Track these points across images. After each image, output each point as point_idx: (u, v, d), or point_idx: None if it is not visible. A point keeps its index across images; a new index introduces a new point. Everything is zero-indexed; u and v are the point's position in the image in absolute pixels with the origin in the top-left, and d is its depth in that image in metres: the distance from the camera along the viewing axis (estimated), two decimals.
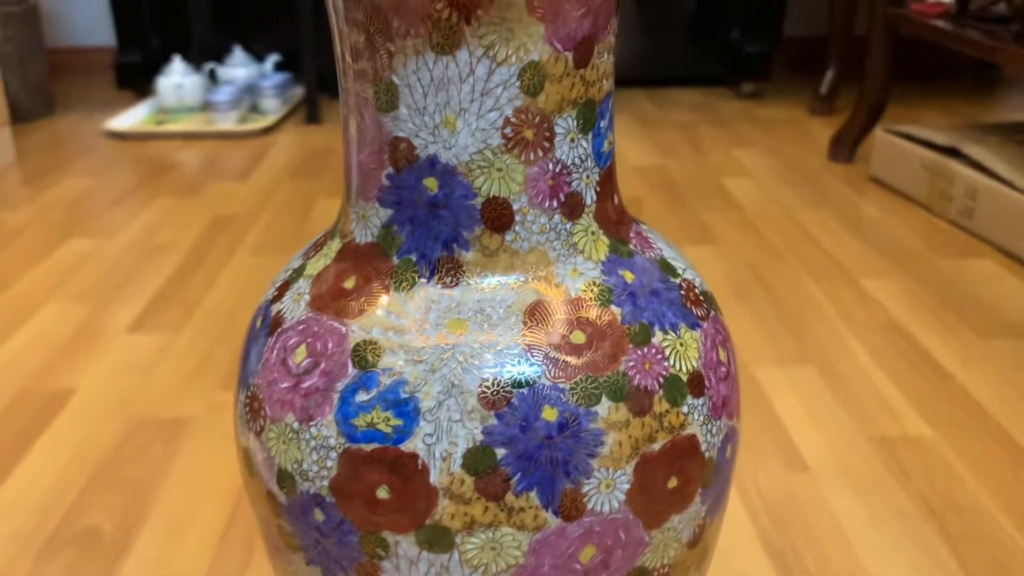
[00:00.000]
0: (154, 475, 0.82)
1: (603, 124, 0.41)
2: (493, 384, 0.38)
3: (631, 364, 0.39)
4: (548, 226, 0.40)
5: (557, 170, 0.39)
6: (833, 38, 2.10)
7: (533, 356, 0.38)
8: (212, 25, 2.36)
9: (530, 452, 0.37)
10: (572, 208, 0.40)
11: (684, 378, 0.41)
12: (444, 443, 0.37)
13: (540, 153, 0.39)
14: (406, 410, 0.38)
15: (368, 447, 0.38)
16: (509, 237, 0.40)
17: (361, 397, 0.38)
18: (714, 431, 0.42)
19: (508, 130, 0.38)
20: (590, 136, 0.40)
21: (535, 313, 0.39)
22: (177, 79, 2.08)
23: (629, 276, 0.42)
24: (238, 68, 2.16)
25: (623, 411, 0.39)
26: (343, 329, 0.40)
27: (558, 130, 0.39)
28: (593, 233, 0.41)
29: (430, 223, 0.40)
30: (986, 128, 1.56)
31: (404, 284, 0.40)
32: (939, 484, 0.80)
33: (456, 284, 0.40)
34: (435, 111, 0.38)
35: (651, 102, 2.27)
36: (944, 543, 0.73)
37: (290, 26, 2.08)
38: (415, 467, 0.38)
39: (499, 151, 0.38)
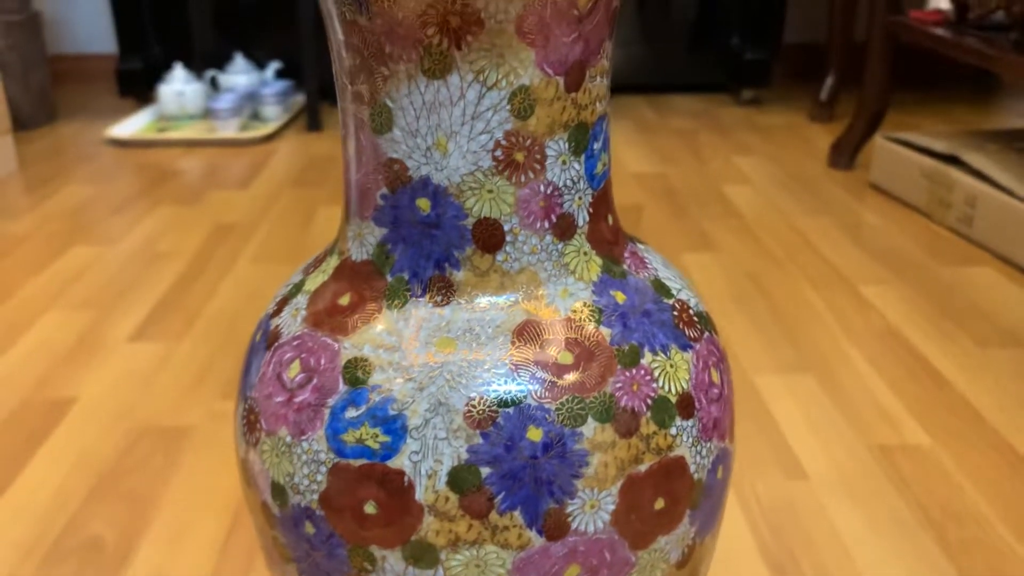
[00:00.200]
0: (155, 484, 0.83)
1: (596, 146, 0.41)
2: (479, 403, 0.38)
3: (619, 385, 0.39)
4: (539, 247, 0.40)
5: (548, 192, 0.40)
6: (833, 45, 2.10)
7: (520, 376, 0.38)
8: (213, 32, 2.37)
9: (514, 471, 0.38)
10: (564, 229, 0.41)
11: (673, 399, 0.41)
12: (430, 461, 0.38)
13: (531, 175, 0.39)
14: (394, 427, 0.38)
15: (356, 463, 0.39)
16: (500, 257, 0.40)
17: (351, 413, 0.39)
18: (704, 452, 0.42)
19: (499, 152, 0.38)
20: (583, 158, 0.41)
21: (524, 333, 0.39)
22: (178, 86, 2.09)
23: (621, 297, 0.42)
24: (239, 75, 2.17)
25: (609, 432, 0.39)
26: (336, 346, 0.41)
27: (549, 152, 0.39)
28: (585, 254, 0.42)
29: (423, 243, 0.40)
30: (985, 136, 1.57)
31: (397, 302, 0.41)
32: (938, 492, 0.81)
33: (447, 303, 0.40)
34: (427, 133, 0.38)
35: (651, 109, 2.28)
36: (943, 552, 0.73)
37: (291, 33, 2.08)
38: (401, 483, 0.38)
39: (490, 173, 0.39)
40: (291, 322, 0.43)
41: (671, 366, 0.41)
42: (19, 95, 2.05)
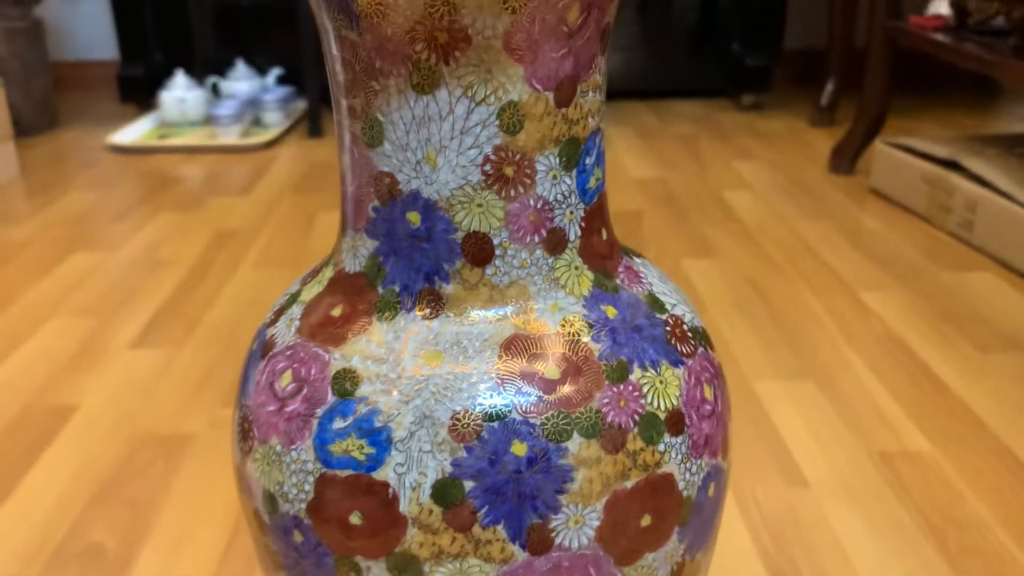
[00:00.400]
0: (156, 492, 0.83)
1: (589, 161, 0.41)
2: (464, 416, 0.38)
3: (606, 401, 0.39)
4: (529, 261, 0.40)
5: (538, 206, 0.40)
6: (833, 50, 2.11)
7: (505, 390, 0.38)
8: (214, 39, 2.38)
9: (498, 486, 0.38)
10: (555, 243, 0.41)
11: (662, 416, 0.41)
12: (414, 473, 0.38)
13: (521, 190, 0.39)
14: (379, 439, 0.38)
15: (343, 473, 0.39)
16: (489, 271, 0.40)
17: (338, 424, 0.39)
18: (694, 470, 0.42)
19: (488, 167, 0.39)
20: (574, 173, 0.41)
21: (511, 347, 0.39)
22: (180, 93, 2.09)
23: (612, 312, 0.42)
24: (240, 82, 2.17)
25: (595, 448, 0.39)
26: (326, 356, 0.41)
27: (539, 167, 0.39)
28: (577, 268, 0.42)
29: (413, 255, 0.40)
30: (985, 140, 1.57)
31: (387, 314, 0.41)
32: (938, 499, 0.81)
33: (437, 316, 0.40)
34: (417, 147, 0.39)
35: (652, 114, 2.28)
36: (943, 558, 0.73)
37: (292, 40, 2.09)
38: (386, 495, 0.38)
39: (479, 187, 0.39)
40: (285, 332, 0.44)
41: (661, 382, 0.41)
42: (21, 102, 2.05)
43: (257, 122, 2.11)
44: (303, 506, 0.40)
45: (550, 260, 0.41)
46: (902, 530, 0.77)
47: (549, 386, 0.39)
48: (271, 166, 1.87)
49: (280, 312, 0.45)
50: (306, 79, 2.07)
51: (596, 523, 0.39)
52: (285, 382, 0.41)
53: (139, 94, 2.31)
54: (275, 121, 2.10)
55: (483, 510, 0.38)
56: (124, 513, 0.80)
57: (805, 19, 2.54)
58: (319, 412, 0.40)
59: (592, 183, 0.42)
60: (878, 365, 1.04)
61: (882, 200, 1.62)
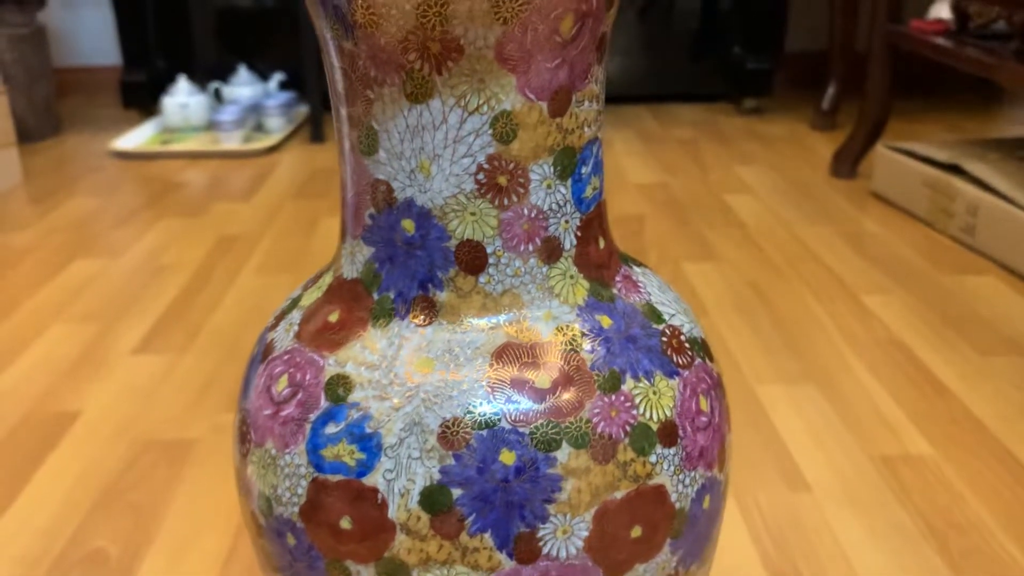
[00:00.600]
0: (159, 498, 0.83)
1: (585, 170, 0.41)
2: (453, 424, 0.38)
3: (596, 411, 0.39)
4: (523, 269, 0.41)
5: (532, 215, 0.40)
6: (834, 54, 2.11)
7: (495, 398, 0.39)
8: (217, 44, 2.38)
9: (486, 494, 0.38)
10: (549, 252, 0.41)
11: (654, 427, 0.40)
12: (403, 479, 0.38)
13: (515, 199, 0.40)
14: (369, 445, 0.39)
15: (334, 478, 0.39)
16: (483, 279, 0.40)
17: (330, 429, 0.40)
18: (687, 481, 0.42)
19: (481, 176, 0.39)
20: (569, 182, 0.41)
21: (503, 355, 0.40)
22: (182, 98, 2.10)
23: (607, 321, 0.42)
24: (243, 87, 2.18)
25: (584, 458, 0.39)
26: (321, 362, 0.41)
27: (533, 176, 0.40)
28: (572, 277, 0.42)
29: (408, 263, 0.41)
30: (987, 144, 1.57)
31: (382, 321, 0.41)
32: (940, 502, 0.81)
33: (430, 323, 0.40)
34: (411, 156, 0.39)
35: (654, 118, 2.28)
36: (945, 562, 0.73)
37: (294, 45, 2.09)
38: (375, 501, 0.39)
39: (472, 196, 0.39)
40: (284, 337, 0.44)
41: (654, 393, 0.41)
42: (24, 107, 2.06)
43: (259, 127, 2.12)
44: (296, 509, 0.40)
45: (544, 269, 0.41)
46: (903, 534, 0.77)
47: (539, 395, 0.39)
48: (273, 171, 1.88)
49: (281, 317, 0.46)
50: (308, 84, 2.08)
51: (585, 533, 0.39)
52: (281, 386, 0.42)
53: (142, 100, 2.31)
54: (277, 126, 2.11)
55: (471, 518, 0.38)
56: (127, 519, 0.80)
57: (806, 22, 2.54)
58: (312, 417, 0.40)
59: (589, 192, 0.42)
60: (879, 369, 1.04)
61: (883, 204, 1.62)
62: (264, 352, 0.45)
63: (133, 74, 2.31)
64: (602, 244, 0.44)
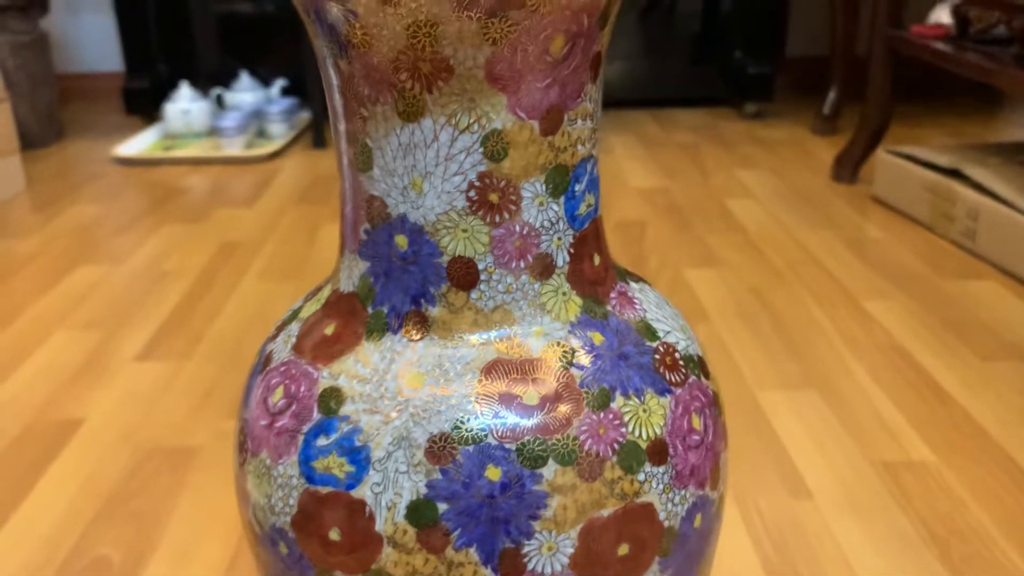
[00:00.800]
0: (162, 505, 0.83)
1: (578, 188, 0.41)
2: (440, 439, 0.38)
3: (584, 428, 0.39)
4: (515, 286, 0.41)
5: (524, 232, 0.40)
6: (835, 58, 2.11)
7: (483, 414, 0.39)
8: (219, 50, 2.39)
9: (471, 509, 0.38)
10: (542, 269, 0.41)
11: (643, 445, 0.40)
12: (390, 493, 0.39)
13: (506, 216, 0.40)
14: (358, 458, 0.39)
15: (324, 490, 0.40)
16: (474, 295, 0.41)
17: (321, 441, 0.40)
18: (677, 500, 0.42)
19: (472, 193, 0.39)
20: (562, 200, 0.41)
21: (492, 371, 0.40)
22: (184, 105, 2.10)
23: (599, 338, 0.42)
24: (245, 93, 2.18)
25: (570, 475, 0.39)
26: (316, 374, 0.42)
27: (525, 194, 0.40)
28: (564, 294, 0.42)
29: (401, 278, 0.41)
30: (988, 149, 1.57)
31: (375, 335, 0.41)
32: (941, 508, 0.81)
33: (422, 338, 0.41)
34: (403, 173, 0.39)
35: (654, 123, 2.29)
36: (946, 568, 0.73)
37: (296, 51, 2.10)
38: (363, 513, 0.39)
39: (464, 213, 0.39)
40: (283, 348, 0.45)
41: (644, 411, 0.41)
42: (27, 114, 2.06)
43: (261, 133, 2.12)
44: (288, 519, 0.41)
45: (536, 285, 0.41)
46: (905, 540, 0.77)
47: (527, 411, 0.39)
48: (275, 177, 1.88)
49: (281, 328, 0.47)
50: (310, 90, 2.08)
51: (570, 550, 0.39)
52: (277, 397, 0.42)
53: (144, 106, 2.32)
54: (279, 132, 2.11)
55: (456, 532, 0.38)
56: (130, 526, 0.80)
57: (807, 27, 2.55)
58: (305, 429, 0.41)
59: (583, 210, 0.42)
60: (880, 374, 1.04)
61: (884, 209, 1.62)
62: (264, 363, 0.45)
63: (135, 80, 2.31)
64: (597, 260, 0.44)
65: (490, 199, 0.39)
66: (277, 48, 2.35)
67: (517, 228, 0.40)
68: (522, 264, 0.41)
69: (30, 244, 1.52)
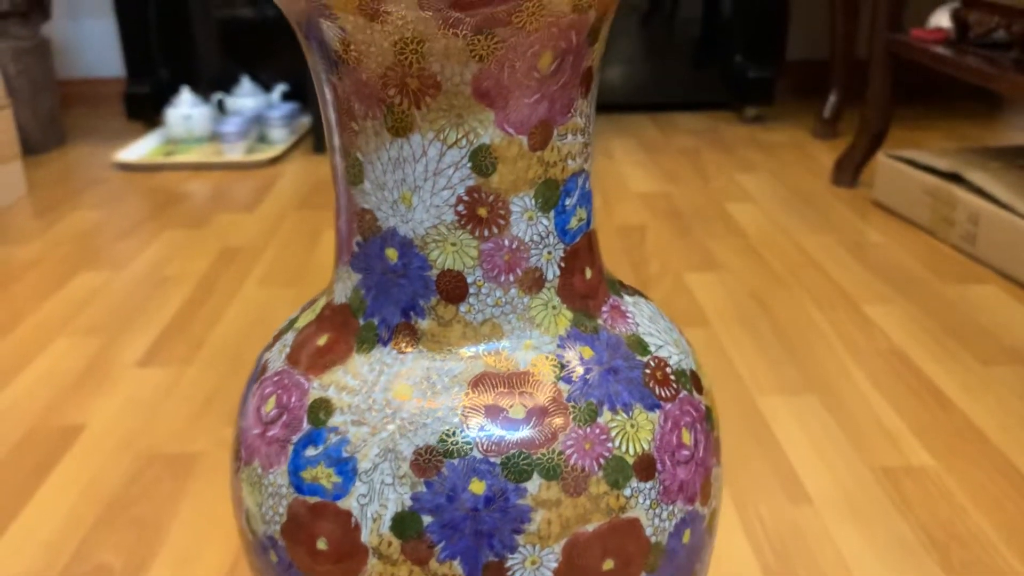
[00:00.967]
0: (162, 512, 0.83)
1: (569, 202, 0.42)
2: (425, 452, 0.39)
3: (570, 443, 0.39)
4: (504, 299, 0.41)
5: (513, 246, 0.40)
6: (835, 62, 2.11)
7: (468, 427, 0.39)
8: (220, 56, 2.39)
9: (455, 522, 0.38)
10: (531, 283, 0.41)
11: (630, 460, 0.40)
12: (376, 504, 0.39)
13: (495, 230, 0.40)
14: (345, 469, 0.39)
15: (312, 500, 0.40)
16: (463, 308, 0.41)
17: (310, 452, 0.40)
18: (664, 515, 0.41)
19: (461, 208, 0.39)
20: (552, 214, 0.41)
21: (479, 384, 0.40)
22: (185, 110, 2.10)
23: (588, 352, 0.42)
24: (246, 98, 2.18)
25: (555, 490, 0.39)
26: (306, 385, 0.42)
27: (514, 208, 0.40)
28: (554, 307, 0.42)
29: (391, 290, 0.41)
30: (988, 153, 1.57)
31: (365, 347, 0.42)
32: (941, 514, 0.81)
33: (411, 350, 0.41)
34: (393, 187, 0.40)
35: (655, 127, 2.29)
36: (946, 574, 0.73)
37: (297, 56, 2.10)
38: (349, 524, 0.39)
39: (453, 227, 0.40)
40: (277, 358, 0.45)
41: (631, 426, 0.41)
42: (28, 120, 2.07)
43: (262, 138, 2.12)
44: (278, 528, 0.41)
45: (526, 299, 0.41)
46: (905, 546, 0.77)
47: (513, 425, 0.39)
48: (276, 182, 1.88)
49: (278, 337, 0.47)
50: (311, 95, 2.08)
51: (554, 564, 0.39)
52: (269, 407, 0.43)
53: (145, 111, 2.32)
54: (280, 137, 2.11)
55: (440, 545, 0.39)
56: (131, 533, 0.81)
57: (807, 31, 2.55)
58: (295, 439, 0.41)
59: (574, 224, 0.42)
60: (881, 379, 1.04)
61: (885, 213, 1.62)
62: (260, 372, 0.46)
63: (136, 86, 2.32)
64: (589, 274, 0.44)
65: (479, 213, 0.40)
66: (278, 53, 2.35)
67: (506, 242, 0.40)
68: (511, 278, 0.41)
69: (31, 250, 1.52)
